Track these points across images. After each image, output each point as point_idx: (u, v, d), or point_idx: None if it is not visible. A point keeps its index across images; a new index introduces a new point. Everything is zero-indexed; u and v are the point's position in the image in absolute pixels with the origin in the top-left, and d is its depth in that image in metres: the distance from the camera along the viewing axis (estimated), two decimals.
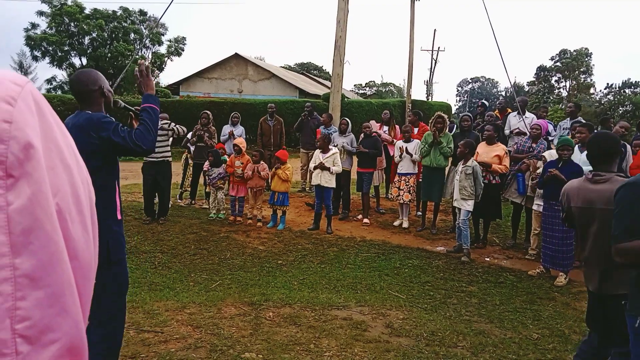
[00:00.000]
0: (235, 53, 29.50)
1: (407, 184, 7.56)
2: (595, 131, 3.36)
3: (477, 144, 6.94)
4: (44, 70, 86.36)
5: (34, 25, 31.71)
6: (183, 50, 36.85)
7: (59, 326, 0.38)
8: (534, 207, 6.31)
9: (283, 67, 40.95)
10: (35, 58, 32.07)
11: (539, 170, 6.07)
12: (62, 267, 0.39)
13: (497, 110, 9.78)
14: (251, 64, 29.58)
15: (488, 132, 6.94)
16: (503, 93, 68.17)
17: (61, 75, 35.38)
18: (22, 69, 33.51)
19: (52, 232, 0.38)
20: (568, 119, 8.34)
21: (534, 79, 52.67)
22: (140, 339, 3.77)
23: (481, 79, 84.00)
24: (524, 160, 6.65)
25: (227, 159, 7.97)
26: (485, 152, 6.79)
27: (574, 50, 50.66)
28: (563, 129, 8.14)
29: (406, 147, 7.48)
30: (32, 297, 0.37)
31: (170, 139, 7.56)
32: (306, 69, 54.96)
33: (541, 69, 51.51)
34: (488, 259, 6.50)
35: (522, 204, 6.70)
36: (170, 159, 7.64)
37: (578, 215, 3.02)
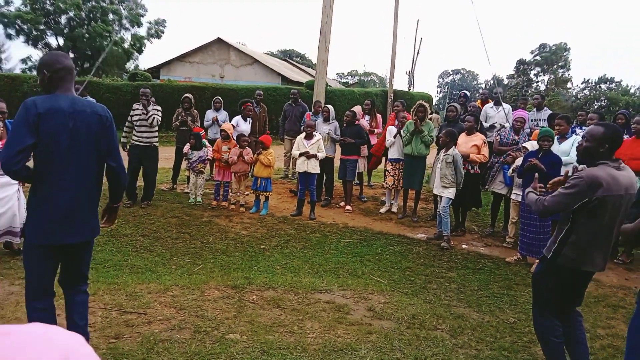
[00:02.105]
0: (218, 37, 29.10)
1: (400, 170, 7.64)
2: (606, 122, 3.50)
3: (460, 134, 7.04)
4: (19, 49, 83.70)
5: (7, 2, 30.68)
6: (163, 33, 36.22)
7: None
8: (512, 196, 6.45)
9: (266, 53, 40.56)
10: (8, 36, 31.11)
11: (518, 160, 6.20)
12: None
13: (479, 101, 9.90)
14: (233, 49, 29.23)
15: (469, 122, 7.05)
16: (483, 85, 68.93)
17: (37, 55, 34.38)
18: None
19: None
20: (535, 110, 8.53)
21: (514, 72, 53.38)
22: (123, 320, 3.76)
23: (462, 71, 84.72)
24: (509, 152, 6.77)
25: (207, 143, 7.91)
26: (464, 142, 6.89)
27: (553, 45, 51.47)
28: (532, 120, 8.31)
29: (399, 131, 7.55)
30: None
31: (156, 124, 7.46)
32: (289, 55, 54.57)
33: (521, 62, 52.21)
34: (467, 246, 6.63)
35: (509, 195, 6.84)
36: (157, 143, 7.55)
37: (614, 204, 2.97)
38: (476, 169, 6.94)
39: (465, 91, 10.55)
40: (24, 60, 33.80)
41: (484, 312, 4.52)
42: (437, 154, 6.81)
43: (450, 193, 6.47)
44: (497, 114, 8.72)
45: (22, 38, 31.27)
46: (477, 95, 11.09)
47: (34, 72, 29.60)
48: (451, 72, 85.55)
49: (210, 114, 9.27)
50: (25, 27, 30.58)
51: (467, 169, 6.85)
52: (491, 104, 9.07)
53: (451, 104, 8.05)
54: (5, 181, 4.82)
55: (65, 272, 3.05)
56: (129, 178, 7.48)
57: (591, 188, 2.93)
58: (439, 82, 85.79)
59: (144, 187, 7.49)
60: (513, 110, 8.56)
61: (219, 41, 29.06)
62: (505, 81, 55.04)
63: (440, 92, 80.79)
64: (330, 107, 8.26)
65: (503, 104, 8.79)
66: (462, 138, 6.94)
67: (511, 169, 6.43)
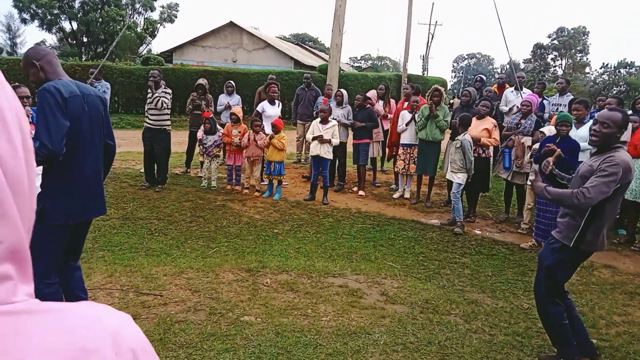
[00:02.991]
0: (230, 21, 28.93)
1: (412, 155, 7.59)
2: (619, 108, 3.56)
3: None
4: (34, 33, 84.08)
5: None
6: (176, 17, 36.15)
7: (0, 229, 0.42)
8: (528, 182, 6.38)
9: (278, 37, 40.30)
10: (23, 21, 31.30)
11: (536, 146, 6.11)
12: None
13: (496, 85, 9.75)
14: (246, 33, 29.07)
15: (484, 107, 6.95)
16: (499, 70, 67.87)
17: (51, 39, 34.64)
18: (10, 31, 32.72)
19: None
20: (558, 94, 8.37)
21: (530, 57, 52.44)
22: (140, 301, 3.82)
23: (477, 55, 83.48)
24: (510, 136, 6.70)
25: (219, 127, 7.92)
26: (475, 126, 6.82)
27: (572, 29, 50.36)
28: (552, 104, 8.17)
29: (414, 115, 7.49)
30: None
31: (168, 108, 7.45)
32: (301, 40, 54.17)
33: (538, 46, 51.24)
34: (481, 232, 6.59)
35: (508, 179, 6.78)
36: (168, 128, 7.55)
37: (626, 188, 3.17)
38: (488, 153, 6.88)
39: (481, 75, 10.39)
40: (38, 45, 34.07)
41: (497, 298, 4.51)
42: (451, 138, 6.74)
43: (460, 178, 6.42)
44: (516, 99, 8.58)
45: (36, 22, 31.47)
46: (494, 79, 10.91)
47: None
48: (466, 57, 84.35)
49: (223, 99, 9.27)
50: (39, 11, 30.72)
51: (479, 153, 6.79)
52: (511, 88, 8.91)
53: (465, 89, 7.94)
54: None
55: (68, 250, 3.11)
56: (143, 160, 7.55)
57: (625, 173, 2.99)
58: (453, 66, 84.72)
59: (157, 171, 7.53)
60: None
61: (231, 25, 28.91)
62: (522, 65, 54.11)
63: (455, 77, 79.84)
64: (343, 91, 8.20)
65: (524, 88, 8.65)
66: (473, 122, 6.86)
67: (530, 153, 6.35)
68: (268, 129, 7.60)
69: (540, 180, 3.35)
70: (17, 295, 0.44)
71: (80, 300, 3.15)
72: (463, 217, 6.61)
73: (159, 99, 7.29)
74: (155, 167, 7.55)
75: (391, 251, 5.75)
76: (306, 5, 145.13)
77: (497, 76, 10.72)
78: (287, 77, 18.52)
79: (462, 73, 72.91)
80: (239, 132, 7.55)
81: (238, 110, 7.84)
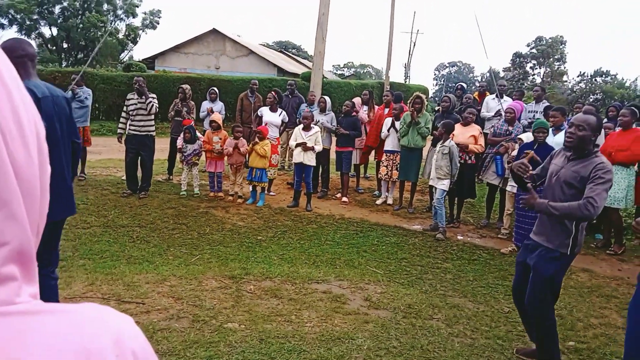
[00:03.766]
0: (213, 28, 28.89)
1: (394, 161, 7.67)
2: (593, 112, 3.67)
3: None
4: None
5: None
6: (158, 24, 35.94)
7: (7, 230, 0.43)
8: (508, 188, 6.50)
9: (261, 44, 40.34)
10: (1, 26, 30.73)
11: (514, 152, 6.23)
12: (7, 177, 0.43)
13: (476, 93, 9.93)
14: (229, 40, 29.04)
15: (471, 115, 7.06)
16: (479, 78, 68.92)
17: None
18: None
19: None
20: (534, 102, 8.56)
21: (510, 65, 53.40)
22: (122, 309, 3.76)
23: (458, 64, 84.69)
24: (501, 142, 6.81)
25: (199, 135, 7.89)
26: (461, 132, 6.93)
27: (550, 38, 51.49)
28: (529, 111, 8.35)
29: (394, 123, 7.57)
30: None
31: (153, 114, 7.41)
32: (285, 47, 54.31)
33: (517, 55, 52.23)
34: (462, 238, 6.68)
35: (500, 185, 6.89)
36: (153, 133, 7.50)
37: None
38: (473, 159, 6.99)
39: (461, 83, 10.57)
40: (21, 40, 33.46)
41: (479, 302, 4.58)
42: (433, 145, 6.84)
43: (445, 185, 6.51)
44: (497, 106, 8.74)
45: (15, 28, 30.93)
46: (474, 87, 11.11)
47: None
48: (447, 65, 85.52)
49: (205, 105, 9.25)
50: (18, 16, 30.23)
51: (465, 159, 6.89)
52: (493, 95, 9.08)
53: (445, 95, 8.08)
54: None
55: (44, 250, 3.06)
56: (126, 168, 7.45)
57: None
58: (435, 74, 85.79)
59: (142, 178, 7.46)
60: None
61: (214, 32, 28.86)
62: (502, 74, 55.04)
63: (436, 85, 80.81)
64: (327, 98, 8.26)
65: (504, 96, 8.82)
66: (459, 129, 6.97)
67: (506, 160, 6.47)
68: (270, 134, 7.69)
69: (537, 197, 3.22)
70: (21, 296, 0.44)
71: None
72: (446, 223, 6.70)
73: (152, 104, 7.26)
74: (140, 174, 7.48)
75: (374, 257, 5.79)
76: (289, 13, 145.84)
77: (477, 84, 10.90)
78: (271, 84, 18.51)
79: (444, 81, 73.87)
80: (220, 139, 7.53)
81: (218, 117, 7.83)
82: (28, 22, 30.75)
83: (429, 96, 32.86)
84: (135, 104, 7.26)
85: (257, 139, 7.30)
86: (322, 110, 8.11)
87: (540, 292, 3.26)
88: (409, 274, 5.30)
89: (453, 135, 6.78)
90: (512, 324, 4.09)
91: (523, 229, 5.88)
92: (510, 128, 6.98)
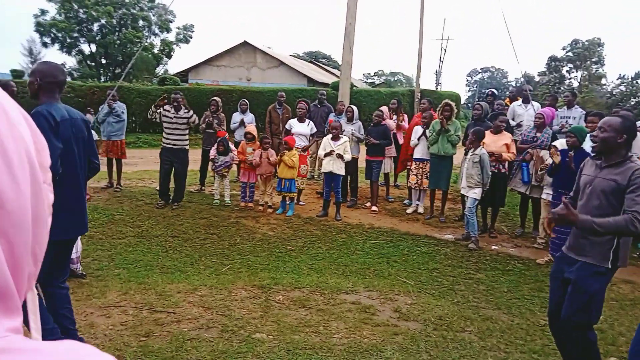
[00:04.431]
0: (244, 41, 29.42)
1: (424, 170, 7.57)
2: (622, 113, 3.42)
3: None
4: (54, 56, 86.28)
5: (44, 12, 31.80)
6: (191, 38, 36.84)
7: None
8: (543, 195, 6.31)
9: (292, 55, 40.80)
10: (44, 44, 32.23)
11: (549, 160, 6.05)
12: None
13: (507, 99, 9.72)
14: (260, 52, 29.50)
15: (502, 123, 6.90)
16: (513, 83, 67.55)
17: (71, 61, 35.53)
18: (32, 55, 33.67)
19: None
20: (565, 107, 8.29)
21: (545, 69, 52.14)
22: (154, 318, 3.85)
23: (491, 69, 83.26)
24: (527, 150, 6.65)
25: (232, 147, 8.01)
26: (493, 141, 6.78)
27: (586, 40, 50.03)
28: (561, 117, 8.08)
29: (425, 131, 7.49)
30: None
31: (188, 128, 7.59)
32: (315, 57, 54.72)
33: (552, 59, 50.96)
34: (496, 247, 6.52)
35: (527, 193, 6.71)
36: (187, 146, 7.66)
37: None
38: (505, 168, 6.84)
39: (492, 89, 10.37)
40: (59, 65, 34.94)
41: (513, 315, 4.44)
42: (466, 153, 6.72)
43: (476, 193, 6.38)
44: (525, 112, 8.52)
45: (57, 46, 32.36)
46: (508, 92, 10.88)
47: (69, 79, 30.59)
48: (480, 70, 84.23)
49: (237, 117, 9.39)
50: (59, 35, 31.61)
51: (499, 168, 6.73)
52: (519, 101, 8.87)
53: (477, 102, 7.94)
54: None
55: (55, 267, 3.18)
56: (160, 180, 7.63)
57: None
58: (467, 80, 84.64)
59: (175, 189, 7.62)
60: (541, 108, 8.36)
61: (245, 44, 29.39)
62: (537, 78, 53.81)
63: (469, 91, 79.69)
64: (354, 107, 8.26)
65: (532, 102, 8.58)
66: (490, 137, 6.82)
67: (539, 168, 6.29)
68: (296, 146, 7.71)
69: (577, 214, 2.87)
70: None
71: (64, 319, 3.15)
72: (479, 233, 6.55)
73: (194, 118, 7.49)
74: (174, 185, 7.63)
75: (405, 267, 5.71)
76: (319, 23, 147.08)
77: (509, 90, 10.67)
78: (301, 95, 18.68)
79: (476, 87, 72.73)
80: (253, 150, 7.63)
81: (253, 129, 7.94)
82: (69, 40, 32.09)
83: (461, 103, 32.40)
84: (172, 119, 7.42)
85: (284, 150, 7.36)
86: (350, 120, 8.10)
87: (582, 309, 3.03)
88: (440, 284, 5.20)
89: (484, 143, 6.65)
90: (548, 337, 3.93)
91: (560, 238, 5.68)
92: (538, 134, 6.79)
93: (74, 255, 4.77)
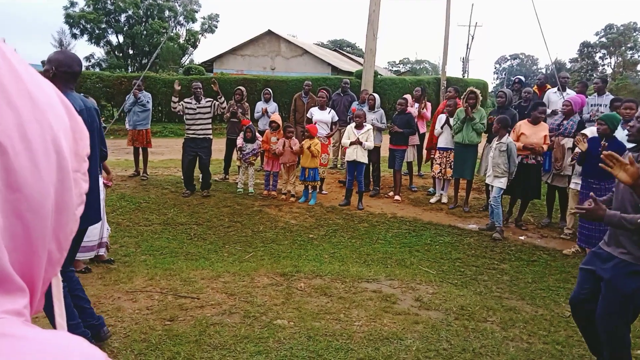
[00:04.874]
0: (268, 30, 29.45)
1: (448, 159, 7.48)
2: None
3: (513, 121, 6.78)
4: (83, 47, 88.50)
5: (73, 4, 32.41)
6: (216, 27, 37.04)
7: None
8: (572, 185, 6.17)
9: (316, 44, 40.62)
10: (74, 36, 32.87)
11: (577, 149, 5.90)
12: None
13: (535, 87, 9.47)
14: (284, 41, 29.49)
15: (542, 114, 6.61)
16: (543, 70, 65.78)
17: (99, 52, 36.19)
18: (62, 46, 34.42)
19: None
20: (595, 94, 8.02)
21: (577, 56, 50.57)
22: (178, 303, 3.94)
23: (520, 56, 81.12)
24: (550, 138, 6.49)
25: (258, 135, 8.05)
26: (533, 132, 6.48)
27: (621, 25, 48.21)
28: (591, 105, 7.83)
29: (448, 119, 7.37)
30: None
31: (211, 117, 7.66)
32: (339, 45, 54.37)
33: (585, 45, 49.36)
34: (522, 238, 6.41)
35: (548, 182, 6.58)
36: (211, 136, 7.73)
37: None
38: (541, 159, 6.61)
39: (519, 76, 10.11)
40: (87, 58, 35.70)
41: (537, 305, 4.38)
42: (488, 141, 6.59)
43: (502, 183, 6.27)
44: (559, 100, 8.27)
45: (85, 37, 32.99)
46: (536, 79, 10.59)
47: (97, 69, 31.24)
48: (509, 57, 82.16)
49: (260, 106, 9.44)
50: (88, 26, 32.20)
51: (537, 160, 6.53)
52: (554, 89, 8.61)
53: (500, 90, 7.76)
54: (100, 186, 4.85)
55: (68, 254, 3.26)
56: (184, 170, 7.75)
57: None
58: (495, 68, 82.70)
59: (202, 178, 7.72)
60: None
61: (269, 33, 29.41)
62: (568, 65, 52.23)
63: (497, 78, 77.96)
64: (375, 95, 8.19)
65: (567, 89, 8.33)
66: (530, 128, 6.51)
67: (570, 158, 6.14)
68: (317, 134, 7.72)
69: (605, 208, 2.76)
70: None
71: (79, 300, 3.22)
72: (504, 223, 6.45)
73: (217, 107, 7.58)
74: (201, 175, 7.73)
75: (427, 257, 5.68)
76: (343, 11, 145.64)
77: (538, 77, 10.39)
78: (325, 83, 18.61)
79: (505, 74, 71.09)
80: (277, 139, 7.67)
81: (277, 117, 7.97)
82: (97, 31, 32.67)
83: (489, 91, 31.77)
84: (194, 109, 7.50)
85: (306, 138, 7.36)
86: (371, 108, 8.05)
87: (617, 311, 2.88)
88: (462, 274, 5.16)
89: (523, 134, 6.43)
90: (573, 329, 3.87)
91: (588, 229, 5.56)
92: (563, 122, 6.59)
93: (101, 240, 4.90)
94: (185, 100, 7.65)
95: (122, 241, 5.75)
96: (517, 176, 6.37)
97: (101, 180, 4.91)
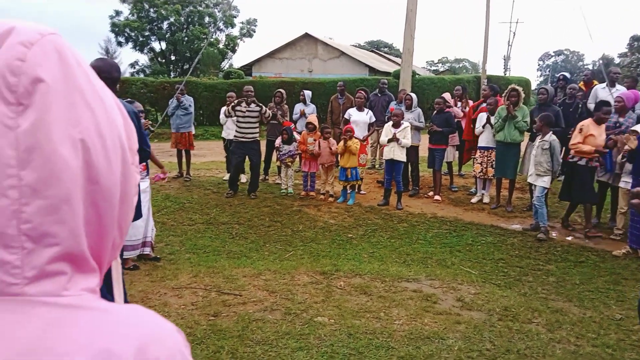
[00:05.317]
0: (305, 33, 29.66)
1: (489, 158, 7.32)
2: None
3: (556, 119, 6.57)
4: (128, 54, 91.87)
5: (118, 13, 33.72)
6: (254, 32, 37.63)
7: (56, 233, 0.46)
8: (621, 184, 5.92)
9: (353, 45, 40.59)
10: (119, 44, 34.18)
11: (631, 145, 5.64)
12: (61, 184, 0.46)
13: (582, 83, 9.14)
14: (321, 43, 29.63)
15: (607, 115, 6.18)
16: (590, 66, 63.24)
17: (143, 59, 37.47)
18: (108, 54, 35.84)
19: (51, 154, 0.46)
20: None
21: (626, 50, 48.32)
22: (221, 300, 4.05)
23: (565, 52, 78.28)
24: (610, 136, 6.19)
25: (297, 137, 8.13)
26: (599, 134, 6.04)
27: None
28: None
29: (489, 118, 7.22)
30: (33, 204, 0.45)
31: (259, 121, 7.79)
32: (376, 46, 54.12)
33: (635, 38, 47.07)
34: (569, 238, 6.21)
35: (610, 182, 6.28)
36: (258, 138, 7.87)
37: None
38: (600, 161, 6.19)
39: (563, 73, 9.78)
40: (132, 65, 37.08)
41: (585, 307, 4.24)
42: (531, 140, 6.39)
43: (545, 182, 6.09)
44: (608, 97, 7.92)
45: (130, 44, 34.25)
46: (582, 75, 10.21)
47: (141, 75, 32.33)
48: (553, 54, 79.44)
49: (298, 107, 9.53)
50: (132, 34, 33.43)
51: (601, 162, 6.16)
52: (602, 85, 8.26)
53: (542, 87, 7.52)
54: (146, 186, 4.96)
55: None
56: (232, 172, 7.90)
57: None
58: (539, 65, 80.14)
59: (251, 179, 7.87)
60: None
61: (306, 36, 29.62)
62: (617, 60, 49.97)
63: (540, 76, 75.55)
64: (412, 94, 8.12)
65: (617, 85, 7.98)
66: (596, 129, 6.06)
67: (620, 154, 5.88)
68: (358, 134, 7.73)
69: None
70: (70, 290, 0.48)
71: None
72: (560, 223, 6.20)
73: (268, 113, 7.70)
74: (250, 176, 7.87)
75: (468, 257, 5.59)
76: (380, 12, 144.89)
77: (584, 73, 10.01)
78: (362, 84, 18.56)
79: (549, 71, 68.79)
80: (314, 140, 7.72)
81: (314, 119, 8.04)
82: (141, 39, 33.85)
83: (532, 88, 30.82)
84: (244, 112, 7.64)
85: (346, 138, 7.37)
86: (409, 108, 7.98)
87: None
88: (506, 275, 5.05)
89: (591, 135, 5.98)
90: (624, 332, 3.73)
91: (639, 229, 5.33)
92: (620, 119, 6.33)
93: (145, 239, 5.08)
94: (236, 101, 7.81)
95: (168, 240, 5.94)
96: (573, 180, 6.09)
97: (147, 182, 5.13)
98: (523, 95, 7.08)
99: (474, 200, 7.69)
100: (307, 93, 9.75)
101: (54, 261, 0.47)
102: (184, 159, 8.86)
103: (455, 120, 8.16)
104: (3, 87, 0.45)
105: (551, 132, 6.13)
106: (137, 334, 0.48)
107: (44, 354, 0.44)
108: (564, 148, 6.95)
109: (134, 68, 36.64)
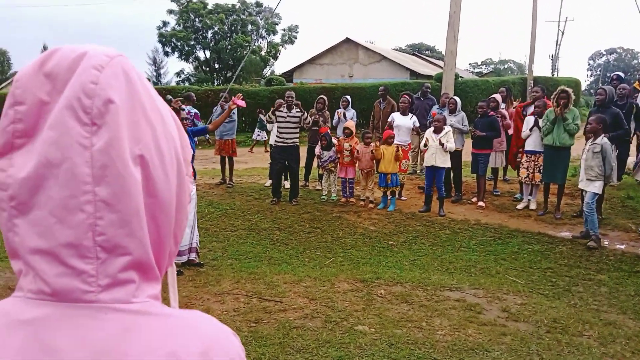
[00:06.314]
0: (346, 38, 29.71)
1: (536, 162, 7.09)
2: None
3: (616, 120, 6.29)
4: (174, 64, 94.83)
5: (165, 23, 34.97)
6: (296, 38, 38.08)
7: (127, 244, 0.50)
8: None
9: (394, 49, 40.32)
10: (166, 53, 35.47)
11: None
12: (131, 198, 0.50)
13: (637, 82, 8.70)
14: (361, 48, 29.59)
15: None
16: None
17: (188, 68, 38.64)
18: (156, 64, 37.25)
19: (123, 170, 0.49)
20: None
21: None
22: (262, 306, 4.09)
23: (618, 50, 74.77)
24: None
25: (336, 142, 8.13)
26: None
27: None
28: None
29: (537, 120, 6.99)
30: (107, 218, 0.49)
31: (299, 126, 7.86)
32: (417, 49, 53.50)
33: None
34: (622, 247, 5.90)
35: None
36: (298, 143, 7.94)
37: None
38: None
39: (617, 73, 9.33)
40: (177, 74, 38.34)
41: None
42: (586, 143, 6.11)
43: (597, 187, 5.81)
44: None
45: (176, 54, 35.44)
46: (637, 75, 9.72)
47: (187, 84, 33.30)
48: (604, 53, 76.06)
49: (338, 113, 9.53)
50: (178, 44, 34.57)
51: None
52: None
53: (600, 87, 7.20)
54: (193, 192, 5.05)
55: None
56: (274, 180, 7.99)
57: None
58: (589, 64, 76.96)
59: (292, 185, 7.93)
60: None
61: (347, 41, 29.66)
62: None
63: (591, 76, 72.56)
64: (456, 98, 7.96)
65: None
66: None
67: None
68: (398, 140, 7.67)
69: None
70: (138, 297, 0.52)
71: None
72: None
73: (309, 120, 7.75)
74: (291, 182, 7.93)
75: (514, 265, 5.42)
76: (422, 15, 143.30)
77: (639, 71, 9.52)
78: (403, 88, 18.41)
79: (600, 71, 65.86)
80: (350, 146, 7.69)
81: (351, 124, 8.02)
82: (187, 48, 34.95)
83: (582, 89, 29.58)
84: (285, 117, 7.74)
85: (385, 144, 7.31)
86: (452, 111, 7.83)
87: None
88: (554, 285, 4.85)
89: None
90: None
91: None
92: None
93: (191, 245, 5.22)
94: (276, 104, 7.90)
95: (210, 245, 6.07)
96: None
97: (194, 188, 5.27)
98: (573, 96, 6.81)
99: (520, 206, 7.44)
100: (347, 98, 9.75)
101: (125, 270, 0.51)
102: (226, 166, 9.04)
103: (505, 121, 7.92)
104: (79, 109, 0.49)
105: (603, 135, 5.85)
106: (200, 338, 0.52)
107: (117, 356, 0.48)
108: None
109: (180, 77, 37.86)
